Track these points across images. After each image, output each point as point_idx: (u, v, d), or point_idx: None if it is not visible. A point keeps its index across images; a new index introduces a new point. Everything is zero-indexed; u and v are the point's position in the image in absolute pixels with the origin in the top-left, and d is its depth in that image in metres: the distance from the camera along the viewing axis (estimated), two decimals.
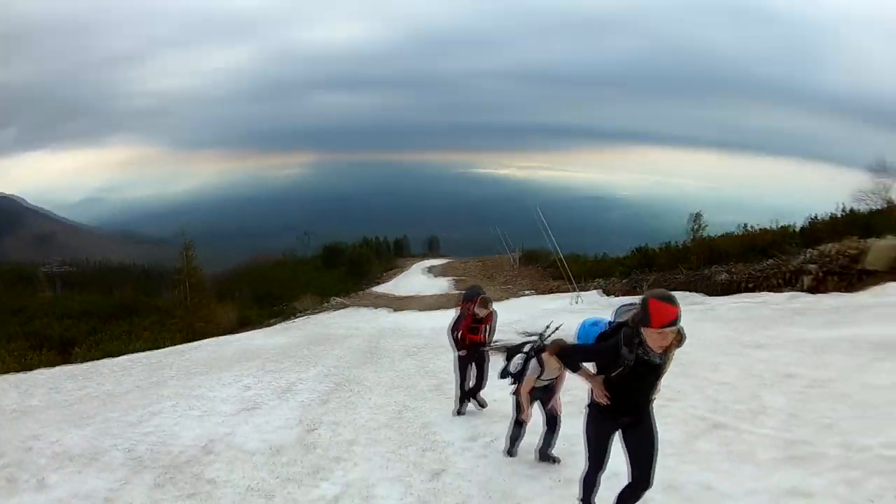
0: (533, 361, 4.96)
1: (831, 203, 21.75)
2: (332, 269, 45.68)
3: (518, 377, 5.12)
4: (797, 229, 21.92)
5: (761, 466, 4.96)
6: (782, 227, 23.16)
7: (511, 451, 5.42)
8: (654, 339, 3.12)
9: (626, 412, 3.49)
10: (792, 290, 15.13)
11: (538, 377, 4.87)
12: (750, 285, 16.64)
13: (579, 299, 21.20)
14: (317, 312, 26.26)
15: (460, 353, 6.90)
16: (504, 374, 5.40)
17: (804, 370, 7.62)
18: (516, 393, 5.15)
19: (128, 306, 30.20)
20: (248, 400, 8.20)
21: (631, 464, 3.52)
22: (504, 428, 5.67)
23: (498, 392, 6.87)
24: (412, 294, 31.75)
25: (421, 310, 23.56)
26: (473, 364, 6.95)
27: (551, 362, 4.68)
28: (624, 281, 23.91)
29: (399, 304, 26.69)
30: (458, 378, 7.00)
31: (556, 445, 5.14)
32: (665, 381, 3.60)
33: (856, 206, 20.45)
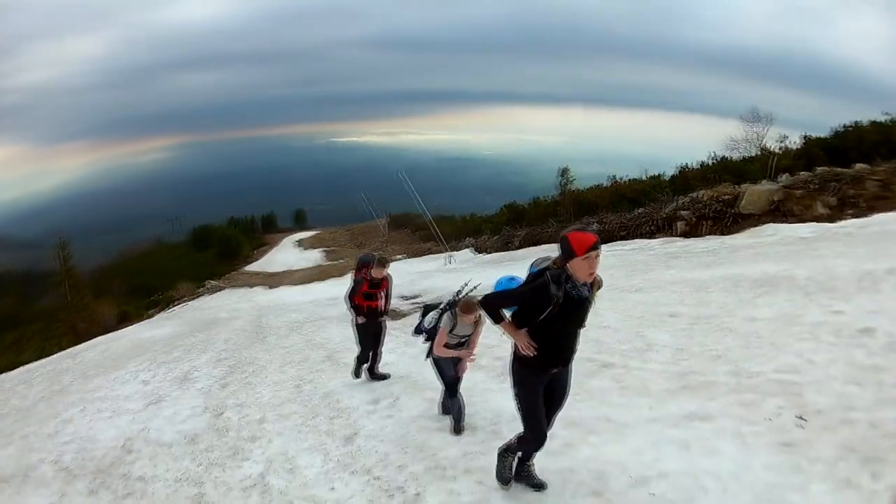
0: (446, 315, 5.57)
1: (703, 153, 24.98)
2: (203, 252, 50.50)
3: (431, 334, 5.81)
4: (667, 178, 24.88)
5: (656, 397, 5.68)
6: (652, 176, 26.09)
7: (459, 429, 5.62)
8: (581, 267, 3.55)
9: (555, 362, 3.90)
10: (665, 235, 17.11)
11: (451, 331, 5.48)
12: (622, 233, 18.77)
13: (452, 259, 23.28)
14: (194, 298, 28.57)
15: (359, 319, 7.61)
16: (418, 329, 6.06)
17: (686, 309, 8.67)
18: (430, 354, 5.77)
19: (12, 316, 32.85)
20: (151, 394, 8.99)
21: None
22: (403, 388, 7.03)
23: (388, 355, 8.32)
24: (284, 269, 35.01)
25: (295, 284, 26.68)
26: (371, 335, 7.72)
27: (465, 319, 5.39)
28: (495, 238, 26.23)
29: (273, 280, 29.64)
30: (360, 346, 7.79)
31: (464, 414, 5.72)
32: None
33: (728, 154, 23.66)
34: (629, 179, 26.98)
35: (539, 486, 4.27)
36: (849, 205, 15.76)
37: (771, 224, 15.36)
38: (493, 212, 35.33)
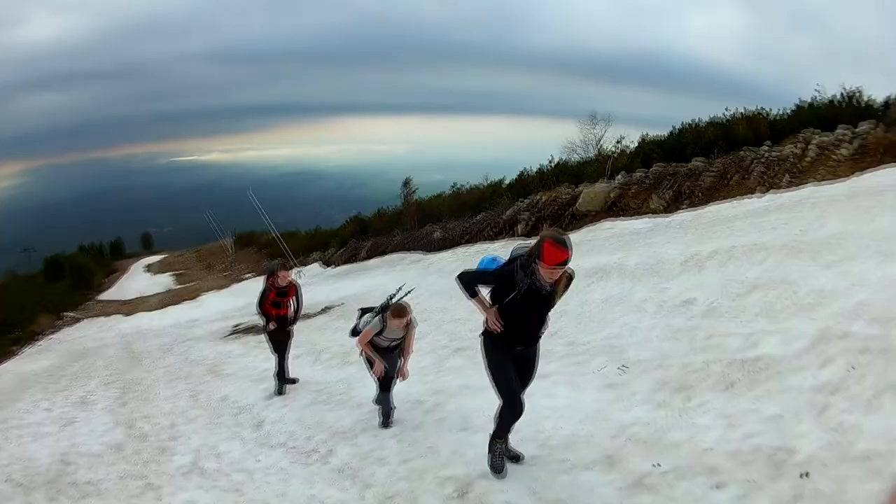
0: (376, 318, 6.33)
1: (545, 155, 27.68)
2: (56, 283, 51.00)
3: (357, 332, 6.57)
4: (506, 184, 27.42)
5: None
6: (491, 183, 28.55)
7: (386, 423, 6.58)
8: (544, 273, 4.18)
9: (518, 341, 4.61)
10: (507, 237, 19.19)
11: (378, 333, 6.29)
12: (465, 238, 20.68)
13: (302, 274, 24.95)
14: (55, 331, 28.98)
15: (270, 326, 8.71)
16: (354, 332, 6.70)
17: None
18: (361, 349, 6.54)
19: None
20: (60, 418, 9.84)
21: None
22: (289, 386, 8.84)
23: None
24: (137, 296, 36.81)
25: (150, 310, 28.59)
26: (281, 342, 8.82)
27: (392, 323, 6.16)
28: (342, 250, 28.40)
29: (128, 308, 31.18)
30: (274, 353, 8.92)
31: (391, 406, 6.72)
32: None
33: (566, 157, 26.46)
34: (470, 187, 29.26)
35: (516, 457, 4.96)
36: (684, 197, 18.73)
37: (608, 220, 17.87)
38: (339, 225, 37.91)
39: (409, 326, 6.35)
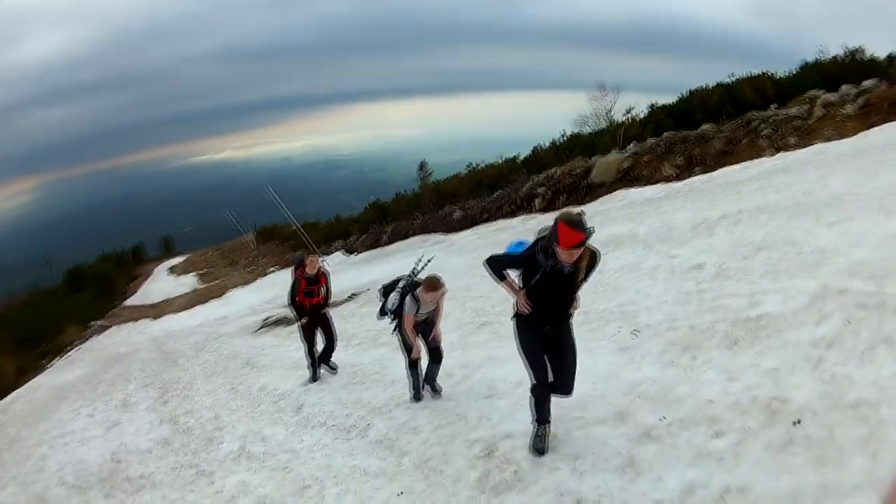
0: (408, 298, 6.35)
1: (559, 128, 27.99)
2: (80, 294, 52.66)
3: (396, 313, 6.65)
4: (521, 160, 27.75)
5: None
6: (506, 160, 28.87)
7: (417, 397, 6.89)
8: (562, 254, 4.24)
9: (547, 321, 4.70)
10: (525, 213, 19.48)
11: (416, 312, 6.35)
12: (484, 217, 21.04)
13: (326, 263, 24.78)
14: (84, 340, 30.06)
15: (302, 322, 8.84)
16: (383, 312, 6.85)
17: None
18: (400, 332, 6.61)
19: None
20: (104, 421, 10.34)
21: (553, 375, 4.82)
22: (323, 371, 9.20)
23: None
24: (163, 299, 37.54)
25: (178, 311, 29.29)
26: (319, 329, 8.94)
27: (426, 297, 6.23)
28: (363, 237, 28.94)
29: (155, 311, 32.02)
30: (306, 346, 9.06)
31: (438, 375, 6.91)
32: None
33: (578, 130, 26.73)
34: (486, 165, 29.60)
35: (540, 451, 4.83)
36: (696, 163, 18.91)
37: (622, 190, 18.13)
38: (359, 212, 38.81)
39: (440, 297, 6.43)
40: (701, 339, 6.00)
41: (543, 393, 4.84)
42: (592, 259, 4.56)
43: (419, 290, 6.31)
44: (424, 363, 6.84)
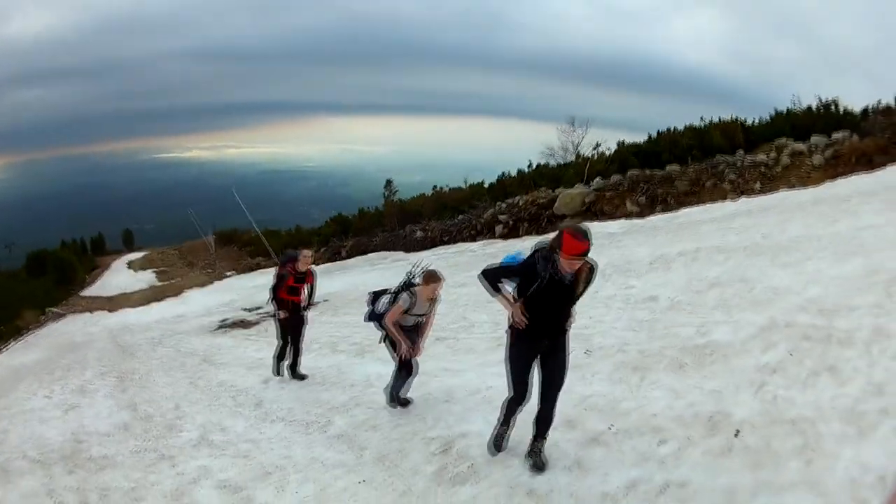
0: (404, 294, 6.26)
1: (526, 156, 28.67)
2: (39, 279, 50.73)
3: (380, 317, 6.49)
4: (486, 186, 28.34)
5: (480, 353, 8.05)
6: (472, 185, 29.45)
7: (393, 403, 6.76)
8: (565, 263, 4.24)
9: (543, 334, 4.64)
10: (486, 238, 19.89)
11: (407, 309, 6.21)
12: (445, 239, 21.50)
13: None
14: (40, 326, 29.94)
15: (281, 314, 8.76)
16: (371, 316, 6.68)
17: None
18: (383, 327, 6.44)
19: None
20: (62, 404, 10.33)
21: (541, 387, 4.76)
22: (283, 370, 9.17)
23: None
24: (120, 293, 37.89)
25: (134, 306, 29.36)
26: (291, 329, 8.85)
27: (425, 290, 6.19)
28: (323, 249, 29.08)
29: (112, 304, 32.33)
30: (279, 343, 9.06)
31: (409, 388, 6.84)
32: None
33: (545, 161, 27.41)
34: (450, 189, 30.12)
35: (538, 467, 4.71)
36: (658, 202, 19.53)
37: (584, 222, 18.59)
38: (320, 224, 39.57)
39: (434, 300, 6.37)
40: (650, 362, 6.31)
41: (515, 406, 4.90)
42: (590, 272, 4.59)
43: (417, 286, 6.28)
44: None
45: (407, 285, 6.41)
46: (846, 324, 5.99)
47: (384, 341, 6.64)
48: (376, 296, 6.76)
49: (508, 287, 4.78)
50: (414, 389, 6.93)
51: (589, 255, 4.32)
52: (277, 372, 9.15)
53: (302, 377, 8.92)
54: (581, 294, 4.65)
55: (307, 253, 8.78)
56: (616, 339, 7.36)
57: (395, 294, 6.47)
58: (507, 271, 4.76)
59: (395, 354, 6.52)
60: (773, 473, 3.88)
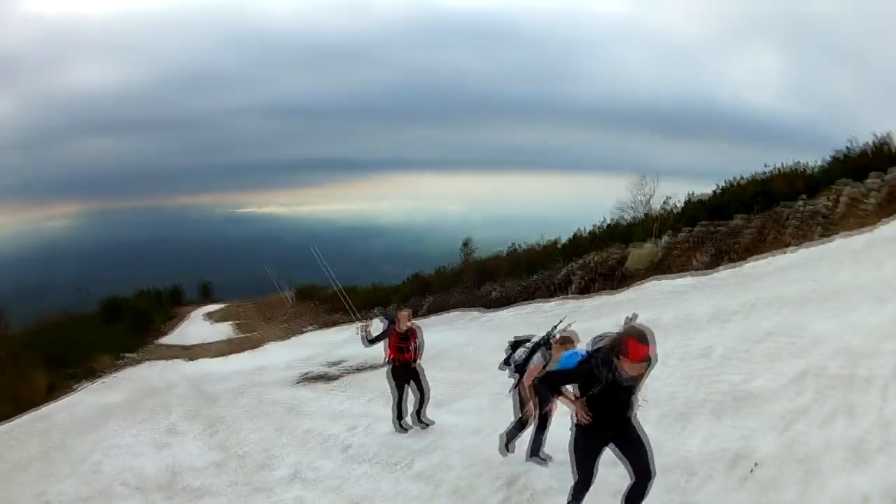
0: (540, 351, 6.49)
1: (598, 209, 29.28)
2: (114, 325, 50.96)
3: (520, 369, 6.71)
4: (560, 245, 29.18)
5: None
6: (546, 245, 30.29)
7: (508, 447, 6.96)
8: (628, 368, 4.35)
9: (608, 427, 4.77)
10: (561, 296, 20.83)
11: (545, 366, 6.23)
12: (521, 297, 22.61)
13: (363, 329, 25.77)
14: (117, 370, 30.86)
15: (390, 368, 9.16)
16: (506, 362, 6.98)
17: None
18: (518, 386, 6.72)
19: None
20: (152, 442, 11.28)
21: (631, 465, 4.88)
22: (369, 420, 10.13)
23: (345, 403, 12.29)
24: (199, 342, 38.30)
25: (212, 356, 30.09)
26: (411, 382, 9.15)
27: (561, 351, 6.01)
28: (403, 306, 29.35)
29: (189, 353, 32.59)
30: (395, 397, 9.27)
31: (545, 443, 6.91)
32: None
33: (617, 218, 28.19)
34: (526, 247, 30.97)
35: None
36: (724, 255, 20.12)
37: (653, 279, 19.37)
38: (395, 280, 39.68)
39: None
40: (693, 409, 7.30)
41: (580, 491, 5.08)
42: (648, 364, 4.58)
43: (553, 346, 6.34)
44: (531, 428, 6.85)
45: (545, 342, 6.52)
46: (869, 367, 6.76)
47: (513, 391, 6.84)
48: (516, 344, 6.97)
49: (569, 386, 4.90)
50: (486, 436, 7.99)
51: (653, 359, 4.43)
52: (400, 427, 9.25)
53: (427, 424, 9.16)
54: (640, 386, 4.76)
55: (404, 314, 9.15)
56: (668, 390, 8.19)
57: (532, 349, 6.64)
58: (565, 377, 4.88)
59: (524, 412, 6.64)
60: (771, 498, 4.88)
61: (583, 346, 5.72)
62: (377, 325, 25.47)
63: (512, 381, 7.01)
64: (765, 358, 8.58)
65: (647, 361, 4.41)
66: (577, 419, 4.80)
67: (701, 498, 5.18)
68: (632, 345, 4.31)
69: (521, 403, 6.72)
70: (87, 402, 20.42)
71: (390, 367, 9.12)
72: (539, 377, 5.11)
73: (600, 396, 4.62)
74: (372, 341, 9.34)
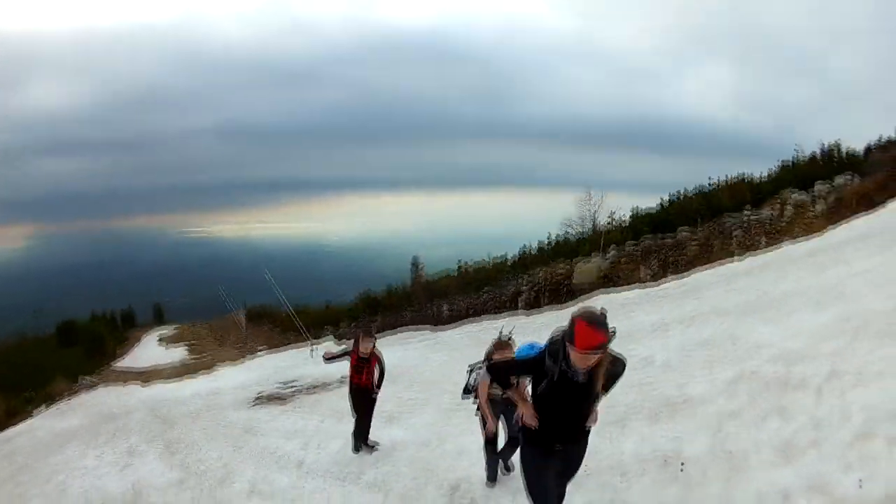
0: (481, 367, 6.28)
1: (547, 225, 29.98)
2: (69, 349, 54.02)
3: (470, 390, 6.65)
4: (509, 262, 29.76)
5: None
6: (495, 262, 30.85)
7: (491, 478, 6.58)
8: (576, 357, 3.69)
9: (557, 437, 4.17)
10: (509, 311, 21.11)
11: (491, 382, 5.68)
12: (471, 314, 22.93)
13: (315, 349, 26.00)
14: (74, 394, 30.55)
15: (348, 388, 9.13)
16: (466, 390, 6.77)
17: None
18: (478, 405, 6.37)
19: None
20: (115, 462, 11.40)
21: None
22: (322, 437, 10.49)
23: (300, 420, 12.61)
24: (153, 366, 38.22)
25: (166, 381, 29.91)
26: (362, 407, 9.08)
27: (498, 355, 5.83)
28: (353, 325, 30.57)
29: (144, 377, 32.40)
30: (356, 416, 9.18)
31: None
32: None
33: (564, 232, 28.82)
34: (475, 265, 31.45)
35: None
36: (669, 267, 20.67)
37: (600, 292, 19.74)
38: (348, 301, 40.22)
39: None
40: (631, 415, 7.52)
41: None
42: (615, 367, 4.11)
43: (494, 354, 6.04)
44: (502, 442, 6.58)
45: (487, 357, 6.19)
46: (805, 370, 7.07)
47: (477, 414, 6.50)
48: (472, 369, 6.74)
49: (527, 380, 4.43)
50: (434, 448, 8.36)
51: (608, 346, 3.80)
52: (356, 448, 9.13)
53: (372, 445, 9.09)
54: (604, 392, 4.20)
55: (367, 340, 8.99)
56: (608, 398, 8.43)
57: (472, 368, 6.61)
58: (513, 367, 4.47)
59: (484, 430, 6.34)
60: (697, 495, 5.12)
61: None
62: (330, 346, 25.73)
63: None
64: (702, 365, 8.94)
65: (597, 351, 3.65)
66: (522, 420, 4.25)
67: (631, 495, 5.43)
68: (580, 329, 3.60)
69: (483, 420, 6.35)
70: (47, 427, 20.31)
71: (348, 386, 9.16)
72: (488, 367, 4.72)
73: (548, 396, 4.00)
74: (330, 359, 9.59)
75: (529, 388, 4.32)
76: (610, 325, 3.71)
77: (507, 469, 6.61)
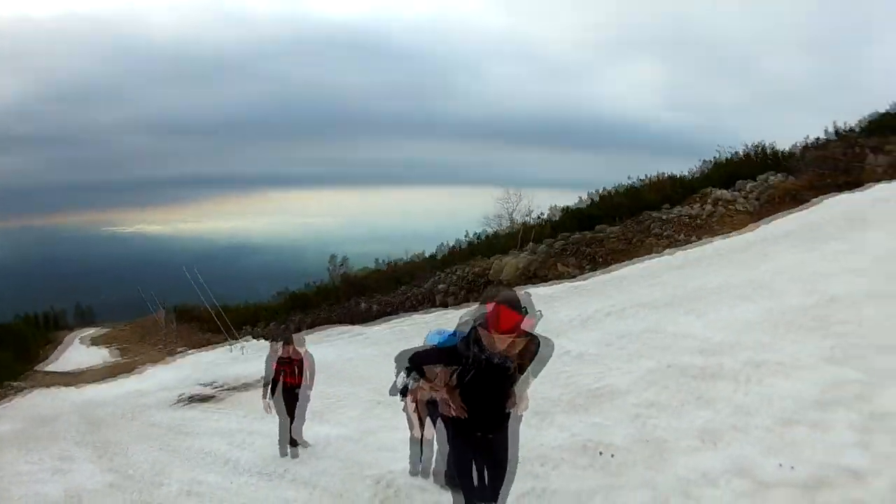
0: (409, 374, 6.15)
1: (468, 223, 30.06)
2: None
3: (405, 391, 6.14)
4: (427, 257, 29.82)
5: None
6: (414, 257, 30.85)
7: (413, 472, 6.59)
8: (489, 340, 3.62)
9: (476, 425, 4.01)
10: (430, 307, 21.11)
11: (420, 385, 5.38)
12: (390, 310, 22.92)
13: (243, 348, 26.31)
14: (3, 399, 28.64)
15: (266, 394, 9.06)
16: (393, 390, 6.07)
17: None
18: (405, 408, 6.39)
19: None
20: (49, 469, 10.92)
21: (478, 479, 4.32)
22: (245, 436, 10.48)
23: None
24: (79, 368, 36.74)
25: (92, 382, 29.10)
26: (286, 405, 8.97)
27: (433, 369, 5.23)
28: (272, 324, 30.16)
29: (70, 380, 31.39)
30: (280, 419, 8.99)
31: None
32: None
33: (483, 229, 28.91)
34: (394, 261, 31.38)
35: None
36: (590, 262, 20.93)
37: (522, 287, 19.83)
38: (268, 298, 40.09)
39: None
40: (550, 407, 7.46)
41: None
42: (539, 348, 3.95)
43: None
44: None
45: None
46: (727, 361, 7.28)
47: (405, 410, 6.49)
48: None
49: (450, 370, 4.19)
50: (357, 441, 8.60)
51: (531, 328, 3.74)
52: (283, 453, 8.94)
53: (301, 445, 9.01)
54: (528, 372, 4.03)
55: (288, 346, 9.00)
56: (530, 390, 8.38)
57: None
58: (428, 356, 4.30)
59: (411, 431, 6.38)
60: (618, 479, 5.10)
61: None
62: (250, 345, 25.27)
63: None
64: (624, 356, 9.08)
65: (513, 332, 3.54)
66: (442, 409, 4.19)
67: (553, 482, 5.35)
68: (496, 310, 3.51)
69: (410, 423, 6.40)
70: None
71: (280, 387, 9.01)
72: (408, 357, 4.28)
73: (465, 383, 3.87)
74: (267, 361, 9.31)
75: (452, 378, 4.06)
76: (536, 309, 3.70)
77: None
